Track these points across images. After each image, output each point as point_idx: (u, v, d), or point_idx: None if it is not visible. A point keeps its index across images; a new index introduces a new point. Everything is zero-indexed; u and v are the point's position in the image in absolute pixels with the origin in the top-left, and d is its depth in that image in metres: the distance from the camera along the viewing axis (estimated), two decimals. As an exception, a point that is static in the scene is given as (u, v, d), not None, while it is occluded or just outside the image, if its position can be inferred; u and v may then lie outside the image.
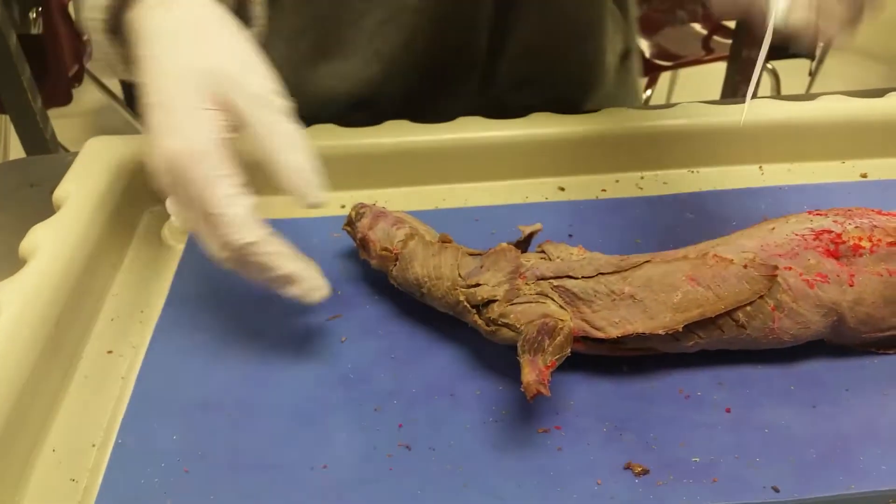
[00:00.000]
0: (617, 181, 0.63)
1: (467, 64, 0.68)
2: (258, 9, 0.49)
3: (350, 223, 0.52)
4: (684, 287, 0.44)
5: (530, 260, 0.47)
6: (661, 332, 0.43)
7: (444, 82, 0.69)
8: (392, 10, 0.63)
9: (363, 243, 0.51)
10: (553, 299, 0.45)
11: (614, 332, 0.44)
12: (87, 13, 0.45)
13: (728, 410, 0.44)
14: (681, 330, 0.44)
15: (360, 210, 0.52)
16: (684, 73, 2.03)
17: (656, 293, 0.45)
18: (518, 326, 0.43)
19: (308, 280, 0.43)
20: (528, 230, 0.49)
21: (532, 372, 0.40)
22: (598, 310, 0.45)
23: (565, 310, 0.44)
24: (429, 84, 0.68)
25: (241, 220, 0.40)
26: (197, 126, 0.40)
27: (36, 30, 1.73)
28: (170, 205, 0.57)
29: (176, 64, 0.41)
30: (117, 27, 0.45)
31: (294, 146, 0.41)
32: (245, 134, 0.41)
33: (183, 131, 0.40)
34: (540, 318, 0.43)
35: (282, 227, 0.46)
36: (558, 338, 0.42)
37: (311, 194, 0.41)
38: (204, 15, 0.43)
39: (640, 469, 0.40)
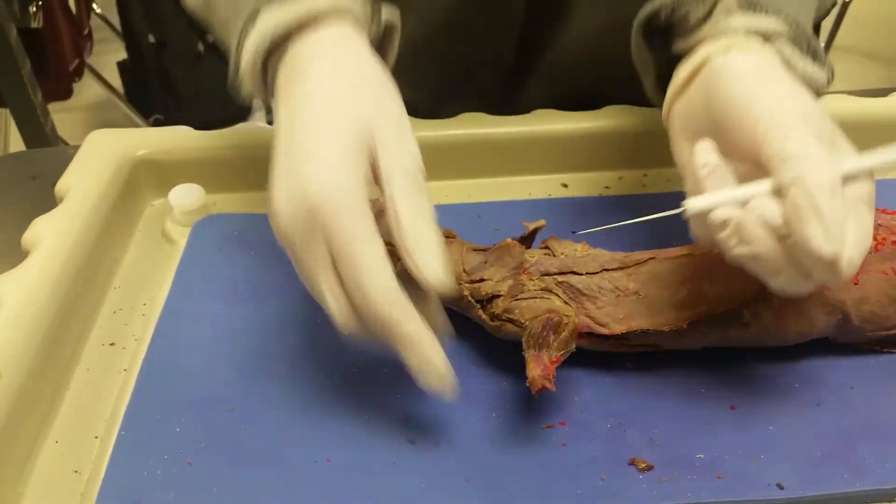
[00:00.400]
0: (620, 178, 0.63)
1: (489, 74, 0.67)
2: (394, 49, 0.48)
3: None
4: (689, 284, 0.44)
5: (534, 256, 0.47)
6: (665, 328, 0.43)
7: (463, 88, 0.67)
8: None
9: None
10: (558, 295, 0.45)
11: (618, 329, 0.44)
12: (252, 41, 0.42)
13: (732, 407, 0.44)
14: (685, 327, 0.43)
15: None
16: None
17: (661, 290, 0.44)
18: (522, 322, 0.43)
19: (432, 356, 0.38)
20: (532, 226, 0.49)
21: (537, 367, 0.40)
22: (603, 306, 0.45)
23: (570, 305, 0.44)
24: (446, 89, 0.67)
25: (388, 286, 0.37)
26: (349, 175, 0.37)
27: (36, 24, 1.73)
28: (173, 197, 0.57)
29: (336, 108, 0.39)
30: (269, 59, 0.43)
31: (423, 224, 0.38)
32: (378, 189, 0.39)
33: (335, 177, 0.37)
34: (545, 314, 0.43)
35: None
36: (563, 333, 0.42)
37: (424, 276, 0.37)
38: (367, 66, 0.42)
39: (644, 465, 0.40)
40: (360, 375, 0.46)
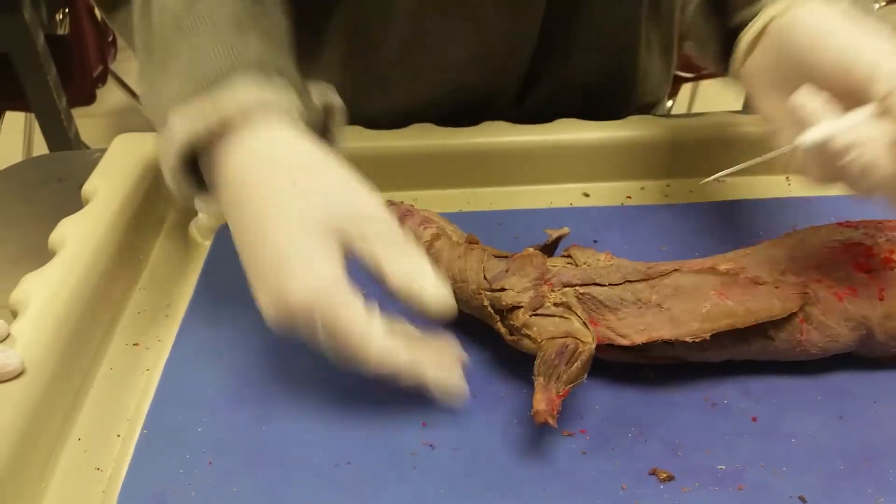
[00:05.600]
0: (643, 188, 0.62)
1: (499, 98, 0.68)
2: (340, 128, 0.46)
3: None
4: (713, 298, 0.44)
5: (556, 265, 0.47)
6: (688, 339, 0.43)
7: (477, 107, 0.68)
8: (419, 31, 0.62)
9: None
10: (577, 315, 0.44)
11: (639, 339, 0.43)
12: (166, 152, 0.41)
13: (754, 419, 0.43)
14: (708, 339, 0.43)
15: (387, 208, 0.51)
16: (705, 84, 2.02)
17: (685, 302, 0.44)
18: (539, 340, 0.43)
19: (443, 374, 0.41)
20: (555, 234, 0.49)
21: (543, 399, 0.40)
22: (624, 317, 0.44)
23: (588, 328, 0.43)
24: (461, 105, 0.68)
25: (385, 348, 0.40)
26: (327, 263, 0.38)
27: (62, 30, 1.76)
28: (198, 203, 0.58)
29: (296, 200, 0.39)
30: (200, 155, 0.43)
31: (408, 260, 0.40)
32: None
33: (317, 270, 0.38)
34: (562, 336, 0.42)
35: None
36: (576, 363, 0.41)
37: (424, 305, 0.39)
38: (310, 150, 0.41)
39: (665, 475, 0.40)
40: (381, 380, 0.46)
